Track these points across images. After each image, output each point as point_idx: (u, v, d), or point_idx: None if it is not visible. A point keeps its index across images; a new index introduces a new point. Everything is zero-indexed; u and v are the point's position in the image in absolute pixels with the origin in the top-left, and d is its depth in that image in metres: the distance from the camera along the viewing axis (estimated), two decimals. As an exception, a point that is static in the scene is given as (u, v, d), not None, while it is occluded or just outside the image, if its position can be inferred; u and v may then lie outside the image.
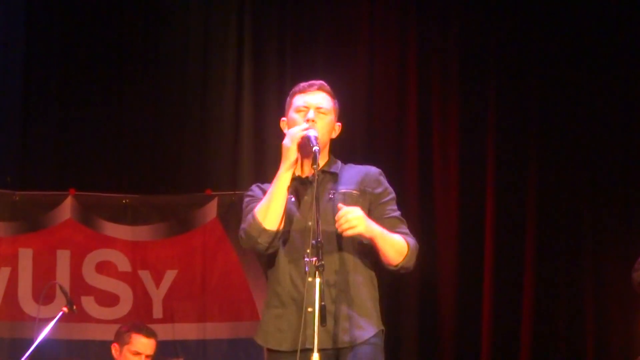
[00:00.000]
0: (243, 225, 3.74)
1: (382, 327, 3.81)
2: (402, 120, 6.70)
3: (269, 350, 3.78)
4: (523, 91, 6.63)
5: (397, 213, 3.82)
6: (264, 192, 3.79)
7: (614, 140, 6.51)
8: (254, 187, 3.91)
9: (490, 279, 6.44)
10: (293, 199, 3.77)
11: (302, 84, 3.91)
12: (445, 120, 6.67)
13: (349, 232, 3.56)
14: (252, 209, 3.73)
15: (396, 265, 3.70)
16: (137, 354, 5.38)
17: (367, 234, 3.61)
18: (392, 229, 3.74)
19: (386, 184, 3.86)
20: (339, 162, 3.91)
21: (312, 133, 3.70)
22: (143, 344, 5.39)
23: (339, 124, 3.91)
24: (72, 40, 6.85)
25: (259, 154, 6.77)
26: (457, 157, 6.62)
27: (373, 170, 3.89)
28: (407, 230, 3.79)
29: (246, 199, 3.87)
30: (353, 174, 3.85)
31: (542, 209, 6.50)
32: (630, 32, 6.49)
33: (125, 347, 5.39)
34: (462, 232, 6.58)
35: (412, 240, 3.75)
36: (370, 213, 3.75)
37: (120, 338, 5.42)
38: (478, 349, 6.44)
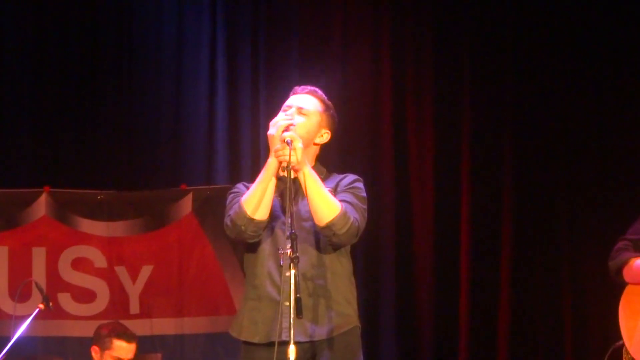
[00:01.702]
0: (229, 213, 3.77)
1: (358, 324, 3.87)
2: (377, 117, 6.69)
3: (243, 342, 3.82)
4: (498, 85, 6.63)
5: (352, 199, 3.80)
6: (247, 187, 3.84)
7: (590, 133, 6.53)
8: (239, 184, 3.97)
9: (467, 270, 6.46)
10: (278, 198, 3.81)
11: (297, 87, 4.02)
12: (420, 116, 6.67)
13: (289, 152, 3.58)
14: (237, 202, 3.77)
15: (325, 225, 3.67)
16: (119, 359, 5.38)
17: (297, 165, 3.62)
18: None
19: (359, 185, 3.90)
20: (325, 170, 3.98)
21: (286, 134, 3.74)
22: (124, 349, 5.38)
23: (327, 131, 3.96)
24: (45, 38, 6.82)
25: (233, 148, 6.78)
26: (432, 153, 6.63)
27: (352, 175, 3.96)
28: (352, 209, 3.75)
29: (230, 195, 3.91)
30: (334, 179, 3.93)
31: (518, 201, 6.53)
32: (606, 30, 6.51)
33: (107, 352, 5.38)
34: (439, 226, 6.60)
35: (350, 210, 3.72)
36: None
37: (101, 342, 5.39)
38: (456, 338, 6.48)
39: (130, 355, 5.40)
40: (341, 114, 6.53)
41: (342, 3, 6.79)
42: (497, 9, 6.66)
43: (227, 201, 3.89)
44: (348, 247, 3.87)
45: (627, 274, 4.75)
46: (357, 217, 3.75)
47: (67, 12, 6.84)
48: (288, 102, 3.96)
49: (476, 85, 6.64)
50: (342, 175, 3.96)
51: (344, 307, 3.80)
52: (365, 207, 3.85)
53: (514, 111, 6.61)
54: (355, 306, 3.87)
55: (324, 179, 3.89)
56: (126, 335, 5.42)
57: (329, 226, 3.67)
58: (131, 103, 6.88)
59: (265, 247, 3.79)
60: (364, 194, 3.89)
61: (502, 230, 6.51)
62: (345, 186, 3.86)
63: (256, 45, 6.82)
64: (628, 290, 4.79)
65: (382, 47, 6.75)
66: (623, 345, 4.80)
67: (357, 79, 6.71)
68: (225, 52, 6.82)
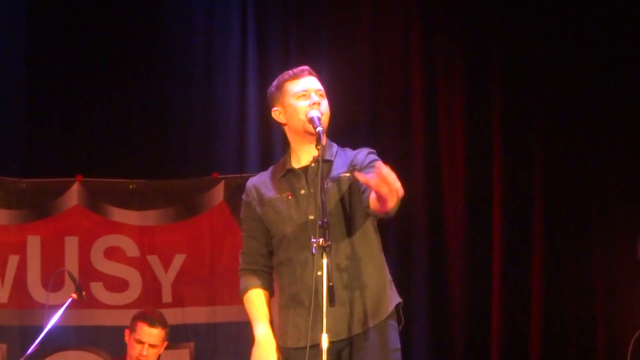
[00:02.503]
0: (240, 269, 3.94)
1: (399, 300, 3.79)
2: (407, 101, 6.67)
3: (286, 348, 3.78)
4: (528, 64, 6.59)
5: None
6: (258, 192, 3.84)
7: (622, 114, 6.47)
8: (248, 187, 3.92)
9: (500, 252, 6.43)
10: (290, 197, 3.76)
11: (291, 71, 3.88)
12: (451, 99, 6.65)
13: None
14: (246, 231, 3.90)
15: (390, 210, 3.48)
16: (140, 342, 5.39)
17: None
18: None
19: (375, 157, 3.79)
20: (335, 146, 3.89)
21: (314, 114, 3.71)
22: (145, 333, 5.40)
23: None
24: (76, 26, 6.84)
25: (264, 136, 6.77)
26: (463, 134, 6.61)
27: (364, 149, 3.86)
28: None
29: (242, 211, 3.93)
30: (345, 159, 3.83)
31: (549, 187, 6.49)
32: (635, 29, 6.45)
33: (132, 335, 5.41)
34: (470, 206, 6.56)
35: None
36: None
37: (131, 324, 5.45)
38: (488, 321, 6.44)
39: (152, 340, 5.39)
40: (372, 101, 6.60)
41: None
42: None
43: (241, 214, 3.94)
44: (375, 222, 3.79)
45: None
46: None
47: (97, 4, 6.85)
48: (299, 88, 3.80)
49: (507, 68, 6.59)
50: (353, 151, 3.86)
51: (379, 296, 3.73)
52: None
53: (545, 90, 6.55)
54: (392, 288, 3.79)
55: (335, 155, 3.81)
56: (150, 319, 5.42)
57: (392, 212, 3.49)
58: (162, 93, 6.88)
59: (292, 254, 3.74)
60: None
61: (534, 217, 6.46)
62: (368, 163, 3.73)
63: (287, 33, 6.81)
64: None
65: (412, 32, 6.71)
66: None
67: (388, 63, 6.68)
68: (256, 40, 6.81)
